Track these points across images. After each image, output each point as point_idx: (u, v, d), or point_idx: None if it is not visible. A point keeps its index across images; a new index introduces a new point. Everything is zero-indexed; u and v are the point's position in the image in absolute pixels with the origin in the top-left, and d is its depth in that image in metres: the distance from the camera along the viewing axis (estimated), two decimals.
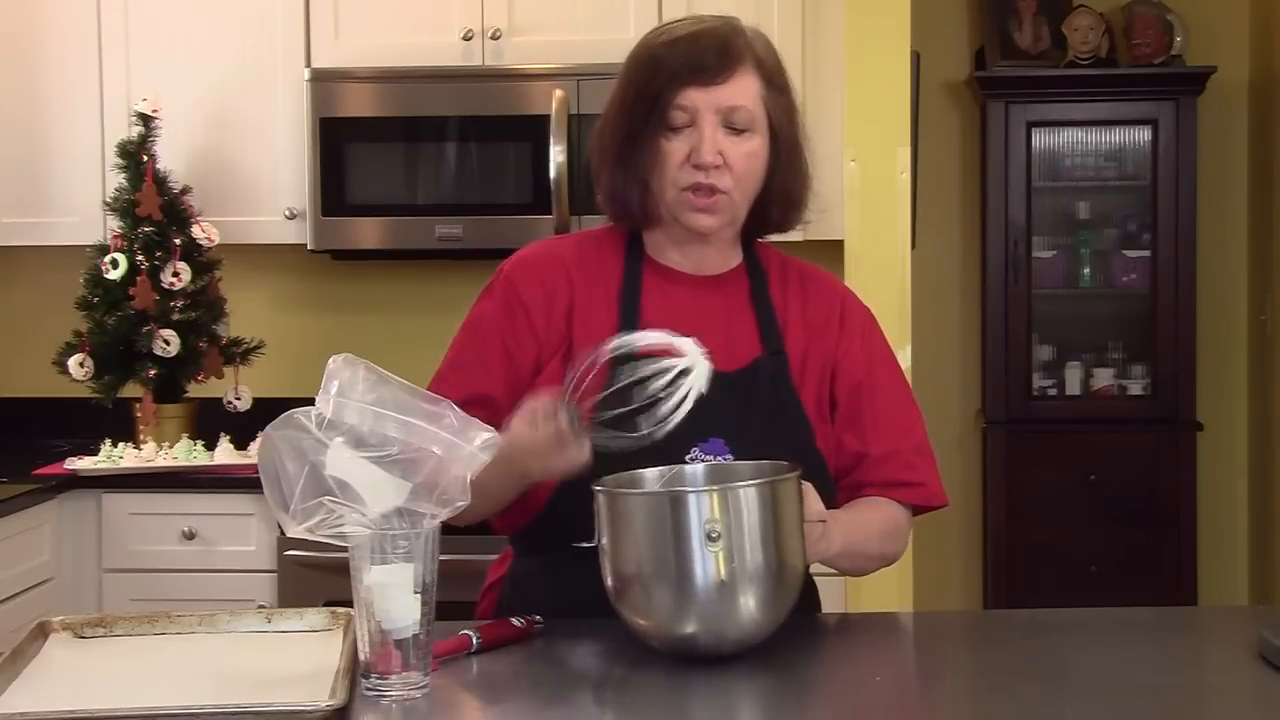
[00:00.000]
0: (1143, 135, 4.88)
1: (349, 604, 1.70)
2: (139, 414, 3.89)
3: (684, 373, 1.77)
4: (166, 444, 3.79)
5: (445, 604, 1.70)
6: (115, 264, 3.82)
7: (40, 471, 3.69)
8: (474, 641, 1.80)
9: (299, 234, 3.93)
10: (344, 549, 1.65)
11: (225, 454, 3.73)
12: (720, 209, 1.98)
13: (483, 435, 1.67)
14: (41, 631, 1.86)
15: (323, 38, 3.93)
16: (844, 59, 3.48)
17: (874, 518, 2.03)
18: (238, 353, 4.01)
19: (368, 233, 3.92)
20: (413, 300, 4.16)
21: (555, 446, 1.80)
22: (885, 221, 3.45)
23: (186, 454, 3.73)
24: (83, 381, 3.86)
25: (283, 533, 3.43)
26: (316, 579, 3.48)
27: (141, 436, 3.86)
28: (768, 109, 1.98)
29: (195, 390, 3.98)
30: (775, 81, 2.00)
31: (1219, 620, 2.23)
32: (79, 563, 3.65)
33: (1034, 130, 4.86)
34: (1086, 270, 4.96)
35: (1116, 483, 4.81)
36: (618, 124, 1.99)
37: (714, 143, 1.94)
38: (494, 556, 2.14)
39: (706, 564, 1.70)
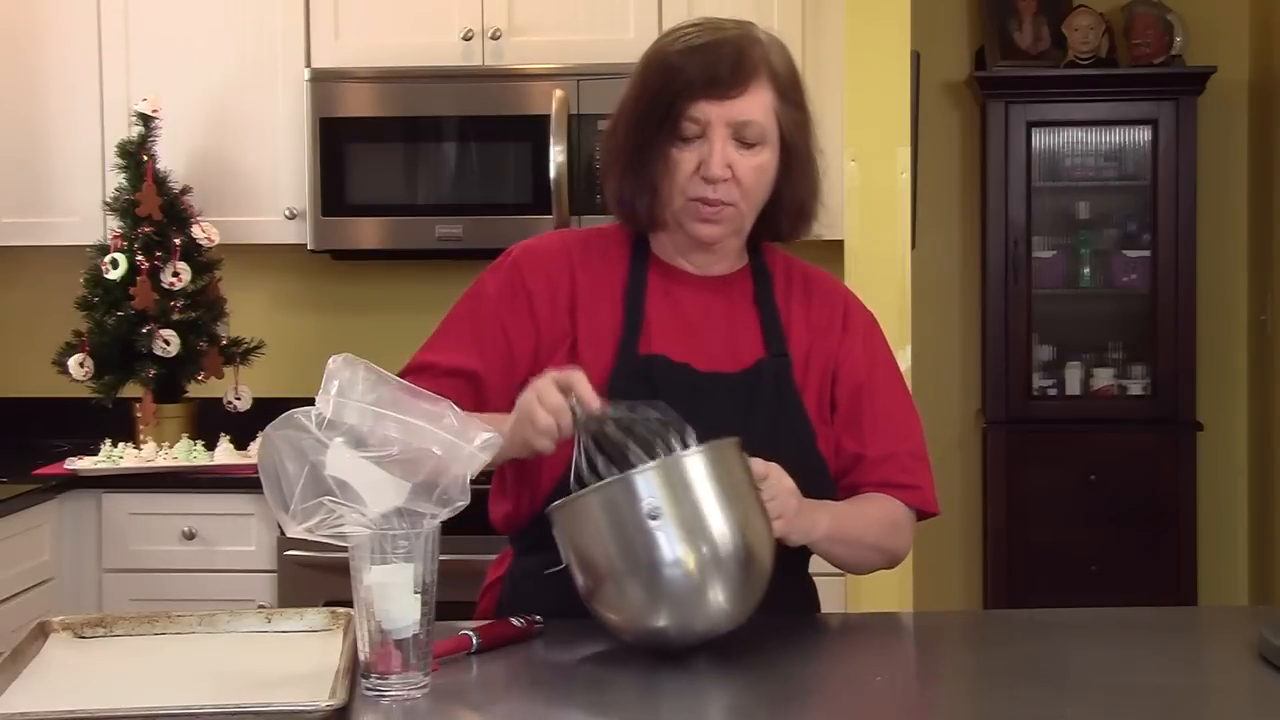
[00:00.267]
0: (1143, 135, 4.88)
1: (349, 604, 1.70)
2: (139, 414, 3.89)
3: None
4: (166, 444, 3.79)
5: (445, 604, 1.70)
6: (115, 264, 3.82)
7: (40, 471, 3.68)
8: (474, 641, 1.80)
9: (299, 234, 3.93)
10: (344, 549, 1.65)
11: (225, 454, 3.73)
12: (726, 220, 1.98)
13: (483, 435, 1.67)
14: (41, 631, 1.86)
15: (323, 38, 3.93)
16: (844, 59, 3.48)
17: (871, 510, 2.03)
18: (238, 353, 4.01)
19: (368, 233, 3.92)
20: (413, 300, 4.15)
21: (549, 414, 1.80)
22: (885, 221, 3.45)
23: (186, 454, 3.73)
24: (83, 381, 3.86)
25: (283, 533, 3.43)
26: (316, 579, 3.48)
27: (141, 436, 3.86)
28: (780, 121, 1.98)
29: (195, 390, 3.98)
30: (789, 95, 1.99)
31: (1219, 620, 2.23)
32: (79, 563, 3.65)
33: (1034, 130, 4.86)
34: (1086, 270, 4.96)
35: (1116, 483, 4.81)
36: (629, 128, 1.99)
37: (723, 156, 1.94)
38: (494, 556, 2.14)
39: (654, 544, 1.69)
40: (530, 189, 3.83)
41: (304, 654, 1.80)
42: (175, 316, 3.86)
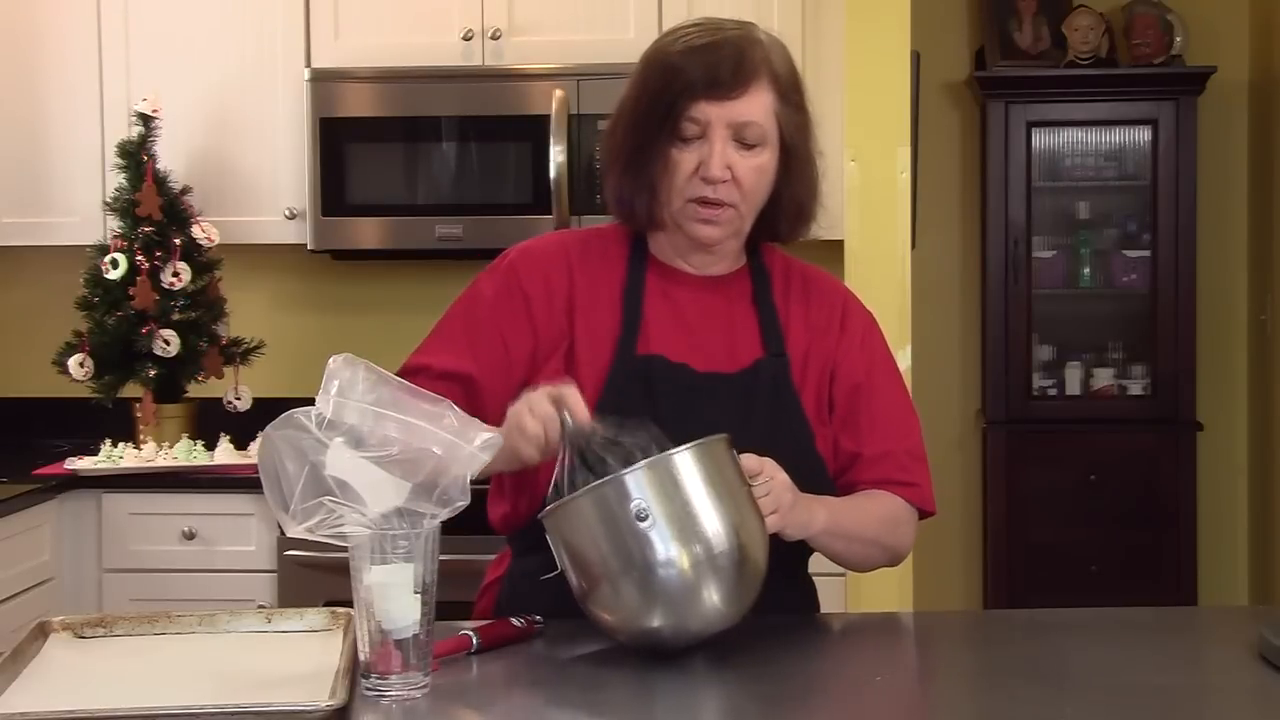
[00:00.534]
0: (1143, 135, 4.88)
1: (349, 604, 1.70)
2: (139, 414, 3.89)
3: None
4: (166, 444, 3.79)
5: (445, 604, 1.70)
6: (115, 264, 3.82)
7: (40, 471, 3.68)
8: (474, 641, 1.80)
9: (299, 234, 3.93)
10: (344, 549, 1.65)
11: (225, 454, 3.73)
12: (725, 221, 1.98)
13: (483, 435, 1.67)
14: (41, 631, 1.86)
15: (323, 38, 3.93)
16: (844, 59, 3.48)
17: (870, 505, 2.03)
18: (238, 353, 4.01)
19: (368, 233, 3.92)
20: (413, 300, 4.15)
21: (538, 423, 1.81)
22: (885, 221, 3.45)
23: (186, 454, 3.73)
24: (83, 381, 3.86)
25: (283, 533, 3.42)
26: (316, 579, 3.48)
27: (141, 436, 3.86)
28: (780, 122, 1.97)
29: (195, 390, 3.98)
30: (789, 96, 1.98)
31: (1219, 620, 2.23)
32: (79, 563, 3.65)
33: (1034, 130, 4.86)
34: (1086, 270, 4.96)
35: (1116, 483, 4.81)
36: (629, 128, 1.99)
37: (723, 157, 1.94)
38: (493, 556, 2.14)
39: (646, 544, 1.69)
40: (530, 189, 3.84)
41: (304, 654, 1.80)
42: (175, 316, 3.86)
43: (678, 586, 1.70)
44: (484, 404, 1.96)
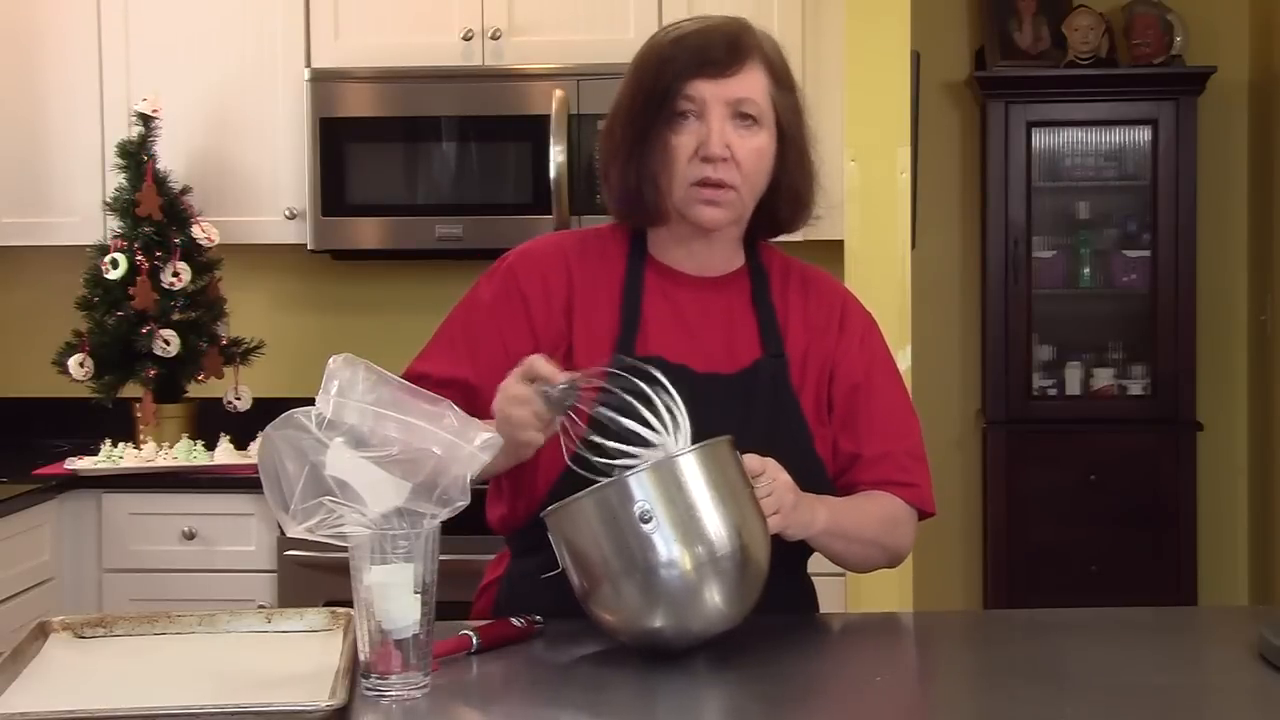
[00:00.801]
0: (1143, 135, 4.88)
1: (349, 604, 1.70)
2: (139, 414, 3.89)
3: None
4: (166, 444, 3.79)
5: (445, 604, 1.70)
6: (115, 264, 3.82)
7: (40, 471, 3.69)
8: (474, 641, 1.80)
9: (299, 234, 3.93)
10: (344, 549, 1.65)
11: (225, 454, 3.73)
12: (727, 203, 1.98)
13: (483, 435, 1.67)
14: (41, 631, 1.86)
15: (323, 38, 3.93)
16: (844, 59, 3.48)
17: (870, 506, 2.02)
18: (238, 353, 4.01)
19: (368, 233, 3.92)
20: (413, 300, 4.15)
21: (519, 405, 1.80)
22: (885, 221, 3.45)
23: (186, 454, 3.73)
24: (83, 381, 3.86)
25: (283, 533, 3.43)
26: (316, 579, 3.48)
27: (141, 436, 3.86)
28: (775, 106, 1.98)
29: (195, 390, 3.98)
30: (783, 81, 2.00)
31: (1219, 620, 2.23)
32: (79, 563, 3.65)
33: (1034, 130, 4.86)
34: (1086, 270, 4.96)
35: (1116, 483, 4.81)
36: (626, 122, 1.99)
37: (722, 135, 1.94)
38: (492, 556, 2.14)
39: (649, 545, 1.68)
40: (530, 189, 3.84)
41: (304, 654, 1.80)
42: (175, 316, 3.87)
43: (680, 587, 1.70)
44: (485, 409, 1.96)
